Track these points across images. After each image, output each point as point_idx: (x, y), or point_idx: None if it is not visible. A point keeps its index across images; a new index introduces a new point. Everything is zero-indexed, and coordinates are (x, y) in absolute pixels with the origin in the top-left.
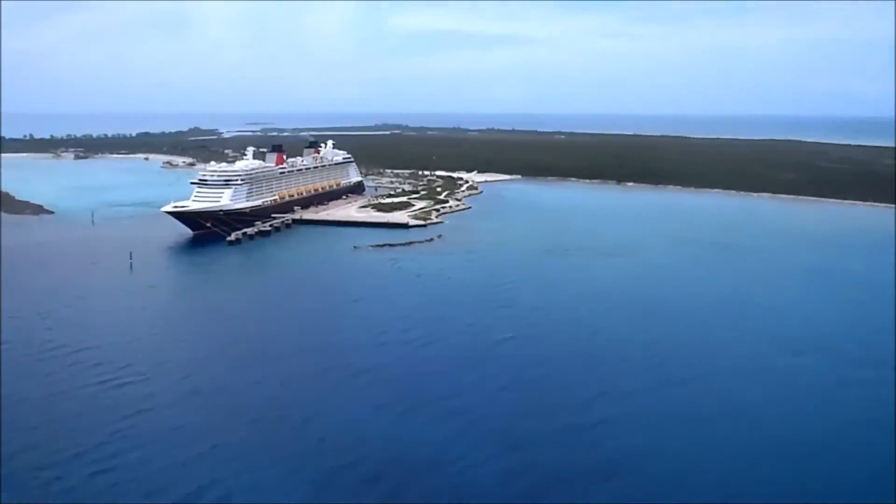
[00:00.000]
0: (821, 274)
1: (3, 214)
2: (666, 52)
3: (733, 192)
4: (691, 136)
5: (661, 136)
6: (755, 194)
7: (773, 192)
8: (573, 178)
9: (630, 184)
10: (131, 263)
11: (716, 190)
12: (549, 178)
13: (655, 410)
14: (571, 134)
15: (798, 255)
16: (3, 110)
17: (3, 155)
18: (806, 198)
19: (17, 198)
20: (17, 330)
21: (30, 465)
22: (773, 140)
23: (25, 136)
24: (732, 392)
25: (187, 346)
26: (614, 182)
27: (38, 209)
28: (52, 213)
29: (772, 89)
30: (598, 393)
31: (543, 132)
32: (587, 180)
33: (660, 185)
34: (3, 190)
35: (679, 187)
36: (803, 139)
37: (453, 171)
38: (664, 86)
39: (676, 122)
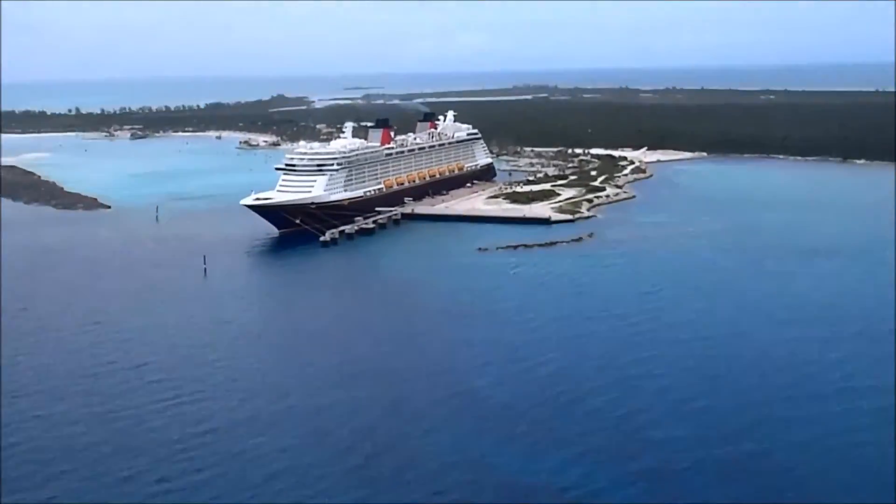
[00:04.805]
0: None
1: (52, 209)
2: None
3: None
4: None
5: None
6: None
7: None
8: (779, 155)
9: (860, 161)
10: (205, 269)
11: None
12: (747, 154)
13: None
14: (786, 93)
15: None
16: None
17: (45, 134)
18: None
19: (65, 188)
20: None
21: None
22: None
23: (70, 109)
24: None
25: (264, 369)
26: (838, 159)
27: (91, 203)
28: (108, 207)
29: None
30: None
31: (744, 91)
32: (799, 157)
33: None
34: (49, 179)
35: None
36: None
37: (615, 148)
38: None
39: None
